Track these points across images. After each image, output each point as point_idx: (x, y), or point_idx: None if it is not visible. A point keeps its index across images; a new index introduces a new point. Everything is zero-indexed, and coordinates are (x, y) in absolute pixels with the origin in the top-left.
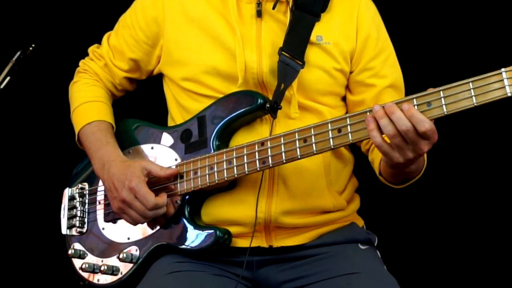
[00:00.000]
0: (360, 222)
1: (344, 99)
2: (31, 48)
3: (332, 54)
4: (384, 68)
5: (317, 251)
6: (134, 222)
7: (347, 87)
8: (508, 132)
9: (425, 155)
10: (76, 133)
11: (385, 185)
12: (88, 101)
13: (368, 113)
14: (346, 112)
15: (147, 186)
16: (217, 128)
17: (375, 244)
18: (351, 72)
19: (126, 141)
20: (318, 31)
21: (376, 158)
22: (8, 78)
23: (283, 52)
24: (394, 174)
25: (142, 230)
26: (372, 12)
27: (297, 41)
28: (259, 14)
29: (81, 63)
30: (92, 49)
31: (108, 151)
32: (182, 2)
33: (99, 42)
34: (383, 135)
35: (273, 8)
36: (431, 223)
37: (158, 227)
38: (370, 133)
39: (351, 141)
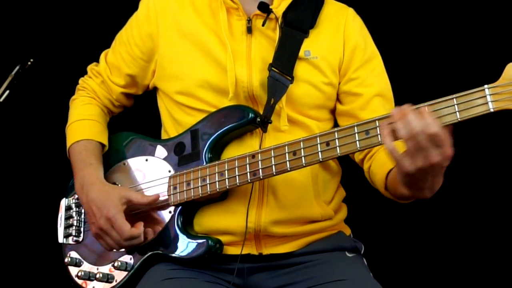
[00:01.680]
0: (347, 231)
1: (332, 112)
2: (29, 63)
3: (320, 69)
4: (370, 77)
5: (305, 258)
6: (110, 248)
7: (337, 98)
8: (490, 145)
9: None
10: (67, 148)
11: (371, 195)
12: (81, 119)
13: (355, 127)
14: (334, 125)
15: (124, 217)
16: (209, 141)
17: (362, 252)
18: (339, 83)
19: (121, 153)
20: (306, 46)
21: (379, 171)
22: (7, 91)
23: (273, 68)
24: (405, 195)
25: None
26: (359, 24)
27: (286, 57)
28: (249, 30)
29: (80, 81)
30: (90, 67)
31: (89, 173)
32: (175, 19)
33: (95, 56)
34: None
35: (263, 25)
36: (415, 231)
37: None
38: (384, 138)
39: (339, 155)
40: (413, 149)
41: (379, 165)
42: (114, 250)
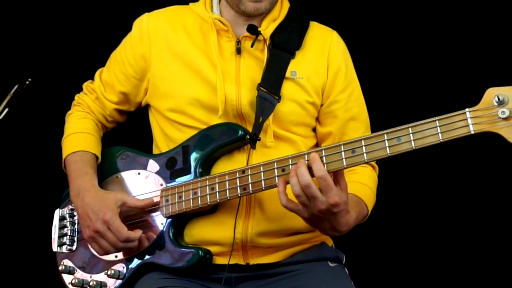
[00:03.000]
0: (330, 242)
1: (314, 129)
2: (27, 82)
3: (305, 88)
4: (349, 102)
5: (290, 268)
6: (104, 252)
7: (317, 119)
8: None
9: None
10: (63, 160)
11: None
12: (77, 132)
13: (342, 145)
14: (317, 143)
15: (119, 219)
16: (200, 157)
17: (343, 262)
18: (321, 105)
19: (114, 166)
20: (293, 67)
21: None
22: (6, 109)
23: (261, 88)
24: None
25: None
26: (342, 48)
27: (273, 77)
28: (238, 51)
29: (76, 97)
30: (85, 85)
31: (85, 181)
32: (167, 40)
33: (90, 76)
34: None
35: (252, 46)
36: (393, 243)
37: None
38: (279, 195)
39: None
40: (305, 201)
41: None
42: (107, 254)
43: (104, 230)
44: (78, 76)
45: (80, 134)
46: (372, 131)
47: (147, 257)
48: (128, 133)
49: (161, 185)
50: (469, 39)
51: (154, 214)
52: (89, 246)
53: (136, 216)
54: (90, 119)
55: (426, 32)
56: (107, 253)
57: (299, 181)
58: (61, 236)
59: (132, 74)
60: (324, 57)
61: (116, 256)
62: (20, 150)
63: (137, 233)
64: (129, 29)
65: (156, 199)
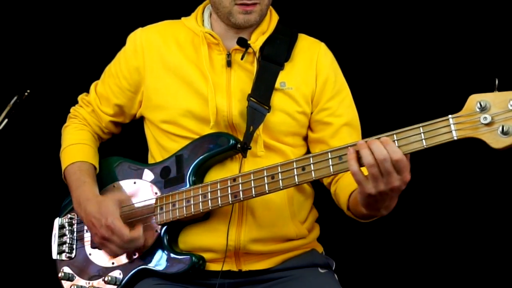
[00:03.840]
0: (320, 249)
1: (305, 138)
2: (26, 94)
3: (294, 98)
4: (340, 108)
5: (281, 274)
6: (115, 255)
7: (309, 126)
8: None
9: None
10: (62, 171)
11: (341, 216)
12: (75, 143)
13: (329, 153)
14: (307, 151)
15: (121, 221)
16: (193, 166)
17: (333, 268)
18: (311, 113)
19: (111, 176)
20: (282, 78)
21: (342, 193)
22: (6, 120)
23: (251, 98)
24: (364, 213)
25: (125, 256)
26: (330, 58)
27: (263, 88)
28: (229, 64)
29: (72, 109)
30: (81, 97)
31: (84, 190)
32: (160, 53)
33: (85, 88)
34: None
35: (242, 59)
36: (382, 249)
37: (136, 255)
38: (349, 162)
39: (314, 178)
40: (377, 174)
41: (343, 188)
42: (120, 256)
43: (109, 235)
44: (74, 88)
45: (77, 145)
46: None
47: (142, 263)
48: (125, 144)
49: (156, 193)
50: (451, 48)
51: (149, 221)
52: (87, 254)
53: (133, 223)
54: (86, 131)
55: (410, 42)
56: (118, 255)
57: (374, 154)
58: (60, 244)
59: (127, 87)
60: (313, 67)
61: (113, 263)
62: (20, 160)
63: (139, 230)
64: (123, 43)
65: (151, 207)
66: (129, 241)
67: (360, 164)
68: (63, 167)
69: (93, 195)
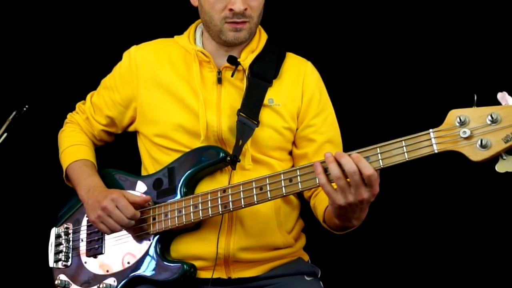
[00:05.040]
0: (306, 257)
1: (290, 153)
2: (24, 109)
3: (281, 115)
4: (323, 126)
5: (269, 282)
6: (110, 230)
7: (293, 142)
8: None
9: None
10: (64, 169)
11: None
12: (75, 144)
13: (297, 170)
14: (293, 165)
15: (126, 200)
16: (184, 177)
17: (319, 276)
18: (297, 129)
19: (107, 187)
20: (270, 94)
21: (319, 206)
22: (5, 134)
23: (241, 113)
24: (337, 224)
25: (119, 264)
26: (316, 77)
27: (252, 104)
28: (219, 81)
29: (68, 115)
30: (78, 105)
31: (94, 180)
32: (153, 71)
33: (81, 98)
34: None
35: (232, 76)
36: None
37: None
38: (318, 176)
39: (300, 189)
40: (344, 186)
41: (320, 201)
42: (114, 233)
43: (112, 207)
44: (70, 104)
45: (78, 146)
46: (344, 151)
47: (136, 271)
48: (119, 156)
49: (149, 204)
50: (431, 66)
51: (142, 231)
52: (82, 262)
53: (127, 232)
54: (83, 133)
55: (391, 61)
56: (113, 231)
57: (344, 168)
58: (57, 252)
59: (119, 101)
60: (299, 85)
61: (107, 271)
62: (18, 172)
63: (138, 213)
64: (118, 58)
65: (142, 224)
66: (131, 216)
67: (328, 177)
68: (65, 165)
69: (103, 186)
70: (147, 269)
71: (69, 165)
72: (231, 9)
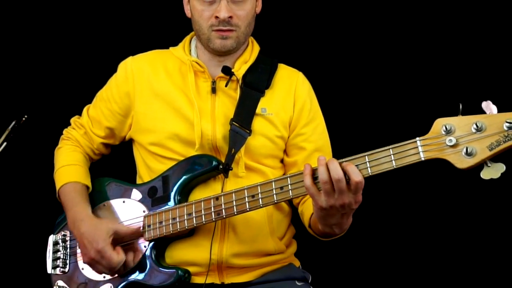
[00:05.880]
0: (297, 263)
1: (282, 161)
2: (23, 119)
3: (274, 123)
4: (314, 134)
5: (261, 287)
6: (102, 273)
7: (284, 151)
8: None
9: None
10: (57, 190)
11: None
12: (68, 165)
13: (288, 179)
14: (284, 173)
15: (112, 248)
16: (178, 185)
17: (309, 281)
18: (288, 137)
19: (102, 195)
20: (263, 104)
21: (306, 211)
22: (5, 143)
23: (233, 123)
24: (319, 230)
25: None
26: (307, 87)
27: (245, 113)
28: (213, 90)
29: (64, 131)
30: (73, 120)
31: (78, 211)
32: (149, 80)
33: (79, 113)
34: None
35: (226, 86)
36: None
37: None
38: (304, 177)
39: (291, 197)
40: (329, 190)
41: (307, 207)
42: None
43: (98, 258)
44: (67, 114)
45: (71, 166)
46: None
47: (132, 277)
48: (114, 165)
49: (144, 212)
50: (417, 75)
51: (138, 238)
52: (80, 268)
53: (123, 240)
54: (78, 152)
55: (379, 70)
56: (104, 274)
57: (331, 173)
58: (54, 259)
59: (117, 111)
60: (291, 95)
61: (104, 277)
62: (17, 181)
63: (121, 254)
64: (113, 70)
65: (139, 225)
66: (118, 264)
67: (315, 179)
68: (57, 187)
69: (87, 216)
70: (143, 274)
71: (60, 188)
72: (216, 17)
